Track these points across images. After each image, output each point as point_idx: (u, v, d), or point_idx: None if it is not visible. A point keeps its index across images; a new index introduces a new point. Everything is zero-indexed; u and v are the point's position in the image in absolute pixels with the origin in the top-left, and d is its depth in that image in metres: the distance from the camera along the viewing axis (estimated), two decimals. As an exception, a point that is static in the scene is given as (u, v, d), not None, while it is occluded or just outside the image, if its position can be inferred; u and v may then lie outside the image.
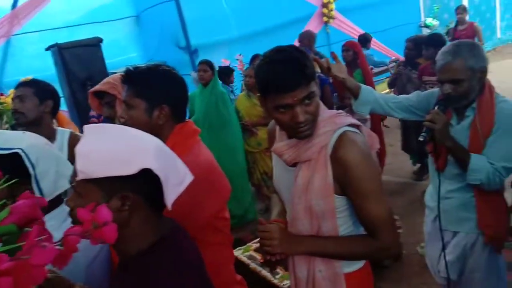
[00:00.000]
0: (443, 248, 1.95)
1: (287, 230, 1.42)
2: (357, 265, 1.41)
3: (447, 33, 7.26)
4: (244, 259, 2.98)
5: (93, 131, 0.99)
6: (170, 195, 0.97)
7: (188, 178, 1.05)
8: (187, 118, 1.60)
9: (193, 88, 4.60)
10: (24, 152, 1.24)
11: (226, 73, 5.28)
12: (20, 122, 2.16)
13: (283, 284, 2.62)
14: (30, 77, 2.51)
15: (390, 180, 4.78)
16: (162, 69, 1.50)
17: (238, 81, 5.51)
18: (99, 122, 3.43)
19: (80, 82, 4.47)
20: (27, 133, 1.36)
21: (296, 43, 5.05)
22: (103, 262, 1.36)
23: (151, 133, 1.07)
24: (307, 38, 4.99)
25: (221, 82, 5.21)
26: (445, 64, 1.78)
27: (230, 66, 5.49)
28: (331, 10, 8.61)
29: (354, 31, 8.87)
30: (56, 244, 0.64)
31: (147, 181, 0.96)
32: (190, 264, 1.06)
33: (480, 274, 1.96)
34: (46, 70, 4.90)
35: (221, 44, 7.00)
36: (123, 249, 1.02)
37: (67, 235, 0.67)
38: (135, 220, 0.99)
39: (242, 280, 1.76)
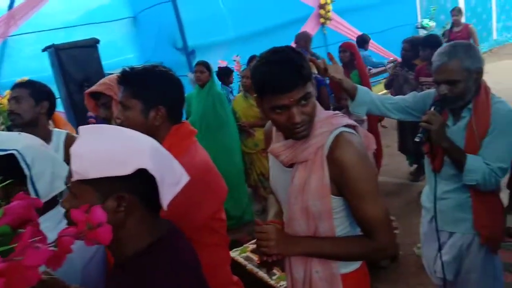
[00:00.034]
0: (439, 249, 1.95)
1: (283, 231, 1.42)
2: (354, 265, 1.41)
3: (443, 34, 7.29)
4: (241, 260, 2.97)
5: (88, 132, 0.99)
6: (166, 196, 0.97)
7: (184, 178, 1.05)
8: (183, 119, 1.60)
9: (190, 89, 4.60)
10: (20, 153, 1.23)
11: (225, 74, 5.28)
12: (16, 123, 2.16)
13: (280, 285, 2.62)
14: (26, 78, 2.50)
15: (386, 181, 4.79)
16: (159, 70, 1.50)
17: (237, 82, 5.52)
18: (97, 123, 3.41)
19: (76, 83, 4.46)
20: (23, 134, 1.36)
21: (293, 45, 5.05)
22: (100, 263, 1.35)
23: (147, 134, 1.06)
24: (304, 39, 4.99)
25: (220, 83, 5.23)
26: (441, 65, 1.79)
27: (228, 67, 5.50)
28: (328, 11, 8.62)
29: (351, 32, 8.90)
30: (50, 245, 0.63)
31: (142, 181, 0.96)
32: (186, 265, 1.05)
33: (476, 275, 1.96)
34: (43, 71, 4.88)
35: (218, 45, 7.00)
36: (119, 250, 1.02)
37: (61, 236, 0.66)
38: (131, 221, 0.99)
39: (239, 281, 1.76)
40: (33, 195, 1.24)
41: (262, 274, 2.75)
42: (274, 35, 6.91)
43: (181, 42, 6.64)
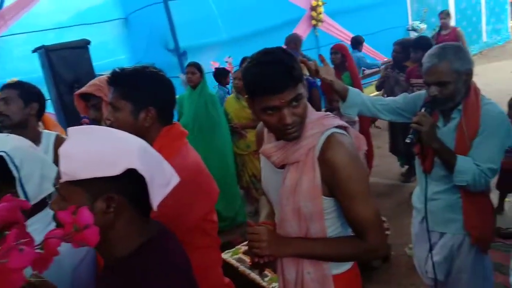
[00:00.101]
0: (430, 249, 1.97)
1: (275, 232, 1.41)
2: (346, 266, 1.41)
3: (432, 37, 7.35)
4: (233, 262, 2.97)
5: (77, 133, 0.98)
6: (156, 196, 0.96)
7: (175, 179, 1.05)
8: (175, 120, 1.59)
9: (181, 90, 4.59)
10: (8, 155, 1.22)
11: (222, 75, 5.28)
12: (5, 124, 2.13)
13: (272, 287, 2.61)
14: (15, 79, 2.48)
15: (378, 182, 4.81)
16: (149, 71, 1.49)
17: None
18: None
19: (67, 85, 4.41)
20: (11, 135, 1.34)
21: (284, 47, 5.05)
22: (90, 265, 1.34)
23: (138, 135, 1.06)
24: (294, 41, 5.00)
25: (217, 84, 5.22)
26: (431, 66, 1.80)
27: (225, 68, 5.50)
28: (320, 13, 8.65)
29: (342, 34, 8.94)
30: (37, 247, 0.62)
31: (132, 182, 0.95)
32: (177, 266, 1.05)
33: (466, 275, 1.97)
34: (33, 72, 4.84)
35: (210, 47, 7.00)
36: (108, 251, 1.01)
37: (47, 238, 0.65)
38: (120, 222, 0.98)
39: (230, 283, 1.75)
40: (22, 197, 1.23)
41: (254, 275, 2.75)
42: (266, 36, 6.92)
43: (173, 43, 6.63)
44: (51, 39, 5.23)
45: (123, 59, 7.01)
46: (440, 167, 1.90)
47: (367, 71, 7.02)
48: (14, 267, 0.53)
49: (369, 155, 4.41)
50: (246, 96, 1.30)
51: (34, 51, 4.63)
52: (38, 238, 0.78)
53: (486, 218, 1.96)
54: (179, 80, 5.13)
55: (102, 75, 2.26)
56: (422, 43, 4.16)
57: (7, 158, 1.21)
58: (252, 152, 4.22)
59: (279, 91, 1.18)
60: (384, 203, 4.22)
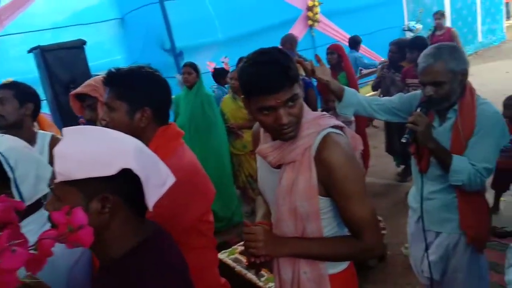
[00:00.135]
0: (426, 249, 1.97)
1: (271, 232, 1.41)
2: (342, 266, 1.41)
3: (427, 37, 7.37)
4: (230, 262, 2.96)
5: (72, 133, 0.97)
6: (151, 196, 0.96)
7: (170, 179, 1.04)
8: (171, 120, 1.58)
9: (177, 90, 4.58)
10: (3, 156, 1.21)
11: (221, 74, 5.27)
12: (0, 125, 2.12)
13: (268, 287, 2.61)
14: (10, 79, 2.46)
15: (374, 181, 4.82)
16: (145, 71, 1.49)
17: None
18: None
19: (63, 85, 4.40)
20: (6, 136, 1.34)
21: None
22: (85, 265, 1.33)
23: (133, 136, 1.05)
24: (289, 41, 5.00)
25: (216, 84, 5.21)
26: (427, 66, 1.81)
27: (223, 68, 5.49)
28: (316, 14, 8.65)
29: (338, 34, 8.95)
30: (31, 248, 0.62)
31: (127, 182, 0.95)
32: (172, 267, 1.04)
33: (462, 274, 1.98)
34: (29, 72, 4.82)
35: (206, 47, 6.98)
36: (103, 251, 1.00)
37: (41, 239, 0.65)
38: (115, 222, 0.98)
39: (226, 283, 1.75)
40: (17, 197, 1.22)
41: (250, 275, 2.75)
42: (262, 37, 6.92)
43: (169, 44, 6.61)
44: (47, 39, 5.21)
45: (119, 59, 6.99)
46: (435, 167, 1.91)
47: (364, 71, 7.02)
48: (6, 268, 0.53)
49: (365, 155, 4.42)
50: (242, 96, 1.29)
51: (30, 51, 4.61)
52: (33, 239, 0.77)
53: (482, 218, 1.97)
54: (175, 80, 5.11)
55: (98, 75, 2.25)
56: (418, 43, 4.18)
57: (1, 158, 1.21)
58: (248, 152, 4.21)
59: (275, 91, 1.18)
60: (380, 203, 4.22)
